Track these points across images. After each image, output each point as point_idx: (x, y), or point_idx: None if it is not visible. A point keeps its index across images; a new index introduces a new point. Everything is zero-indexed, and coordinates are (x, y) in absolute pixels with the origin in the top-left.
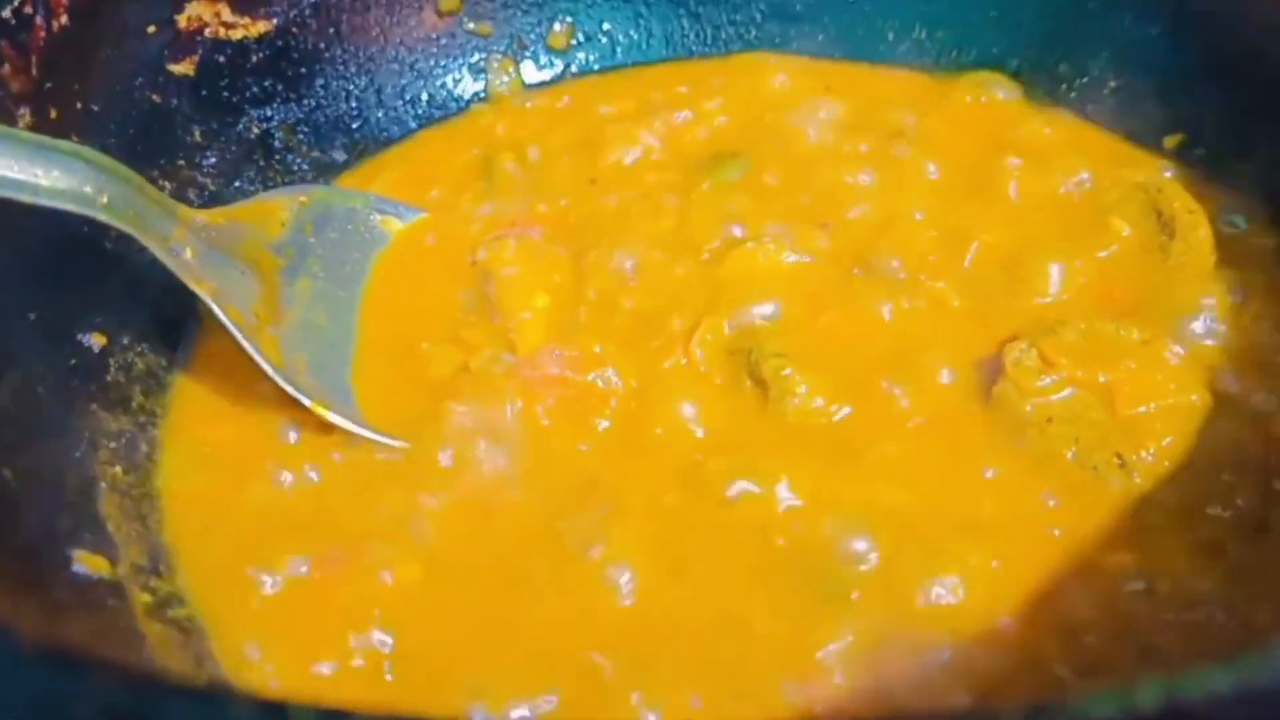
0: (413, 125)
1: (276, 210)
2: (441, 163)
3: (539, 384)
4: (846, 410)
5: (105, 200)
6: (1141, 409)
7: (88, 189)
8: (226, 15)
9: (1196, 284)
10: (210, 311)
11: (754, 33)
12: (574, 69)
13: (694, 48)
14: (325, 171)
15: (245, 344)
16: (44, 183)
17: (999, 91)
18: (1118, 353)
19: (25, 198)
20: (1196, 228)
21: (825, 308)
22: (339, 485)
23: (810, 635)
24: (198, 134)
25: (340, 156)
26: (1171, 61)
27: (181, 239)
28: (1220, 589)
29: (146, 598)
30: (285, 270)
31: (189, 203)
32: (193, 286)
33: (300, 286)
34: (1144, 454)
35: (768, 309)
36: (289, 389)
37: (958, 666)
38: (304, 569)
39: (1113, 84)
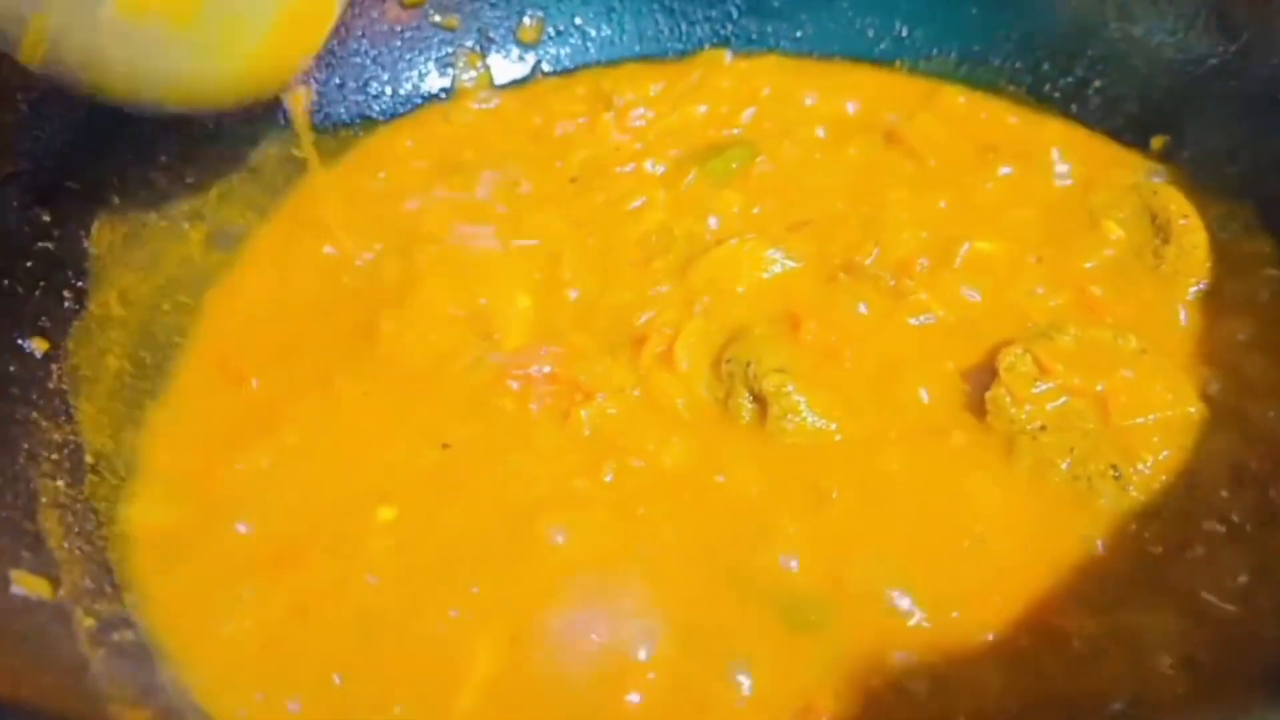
0: (378, 120)
1: None
2: (409, 159)
3: (527, 381)
4: (833, 425)
5: None
6: (1138, 420)
7: None
8: None
9: (1189, 291)
10: None
11: (729, 29)
12: (545, 65)
13: (668, 44)
14: (287, 168)
15: None
16: None
17: (986, 92)
18: (1114, 361)
19: None
20: (1192, 232)
21: (809, 315)
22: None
23: (793, 654)
24: (151, 129)
25: (302, 153)
26: (1156, 62)
27: None
28: (1220, 604)
29: (90, 621)
30: None
31: (142, 202)
32: None
33: None
34: (1140, 466)
35: (752, 314)
36: None
37: (948, 684)
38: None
39: (1097, 84)
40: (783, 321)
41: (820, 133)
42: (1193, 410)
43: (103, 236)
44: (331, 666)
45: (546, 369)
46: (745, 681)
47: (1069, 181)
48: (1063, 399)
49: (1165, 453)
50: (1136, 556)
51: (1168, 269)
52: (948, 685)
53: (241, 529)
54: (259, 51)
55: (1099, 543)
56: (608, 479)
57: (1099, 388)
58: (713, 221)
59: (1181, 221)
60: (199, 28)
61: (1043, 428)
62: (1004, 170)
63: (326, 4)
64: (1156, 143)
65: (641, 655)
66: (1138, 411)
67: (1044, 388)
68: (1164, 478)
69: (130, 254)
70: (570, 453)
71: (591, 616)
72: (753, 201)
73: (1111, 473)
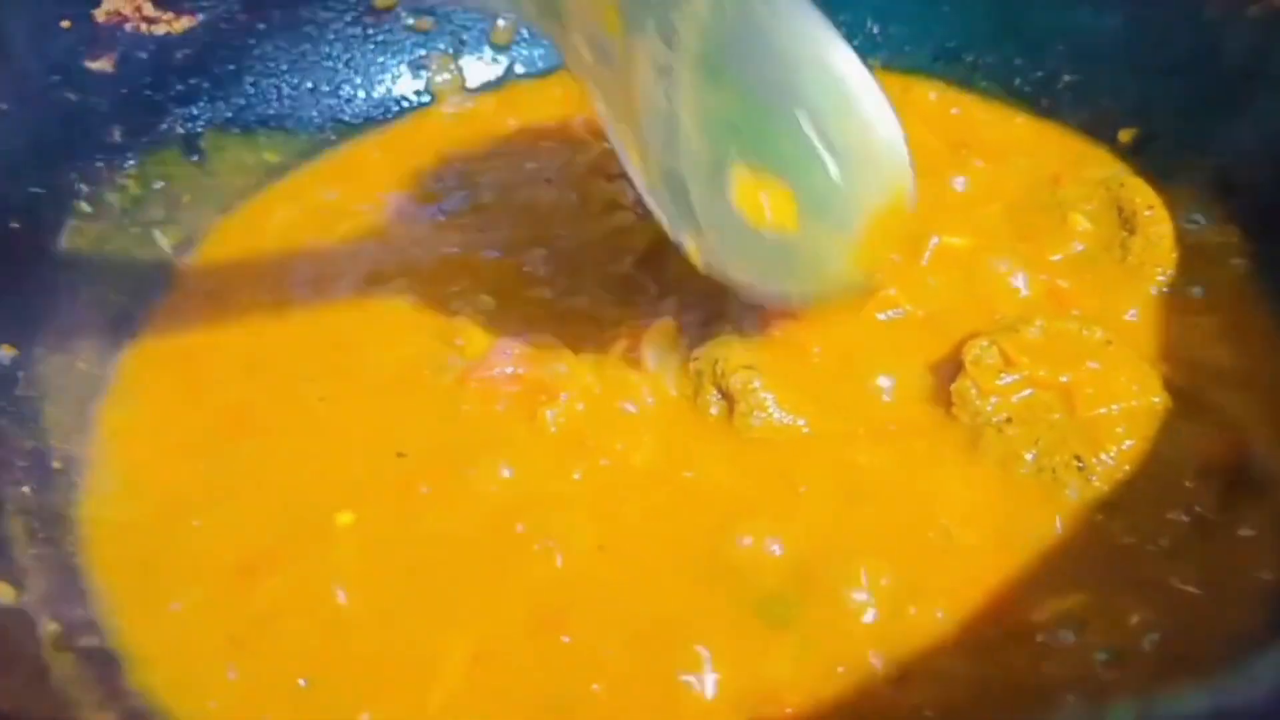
0: (351, 125)
1: None
2: (381, 164)
3: (490, 383)
4: (801, 421)
5: None
6: (1102, 410)
7: None
8: (148, 10)
9: (1156, 282)
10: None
11: None
12: (519, 66)
13: None
14: (257, 174)
15: (638, 180)
16: None
17: (959, 88)
18: (1080, 352)
19: None
20: (1157, 223)
21: (778, 311)
22: (270, 505)
23: (757, 652)
24: (118, 134)
25: (273, 158)
26: (1126, 55)
27: (579, 40)
28: (1187, 593)
29: (55, 626)
30: (627, 30)
31: (109, 207)
32: (597, 109)
33: (638, 52)
34: (1104, 456)
35: (720, 311)
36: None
37: (913, 677)
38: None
39: (1068, 77)
40: (751, 317)
41: None
42: (1157, 400)
43: (72, 242)
44: (297, 671)
45: (510, 370)
46: (712, 676)
47: (1040, 177)
48: (1028, 391)
49: (1129, 443)
50: (1101, 547)
51: (1134, 260)
52: (913, 678)
53: (204, 534)
54: (854, 255)
55: (1064, 534)
56: (576, 478)
57: (1064, 379)
58: None
59: (1147, 212)
60: (802, 234)
61: (1008, 420)
62: (974, 164)
63: (902, 205)
64: (1125, 135)
65: (610, 651)
66: (1103, 402)
67: (1009, 379)
68: (1128, 468)
69: (100, 259)
70: (537, 454)
71: (561, 615)
72: None
73: (1076, 464)
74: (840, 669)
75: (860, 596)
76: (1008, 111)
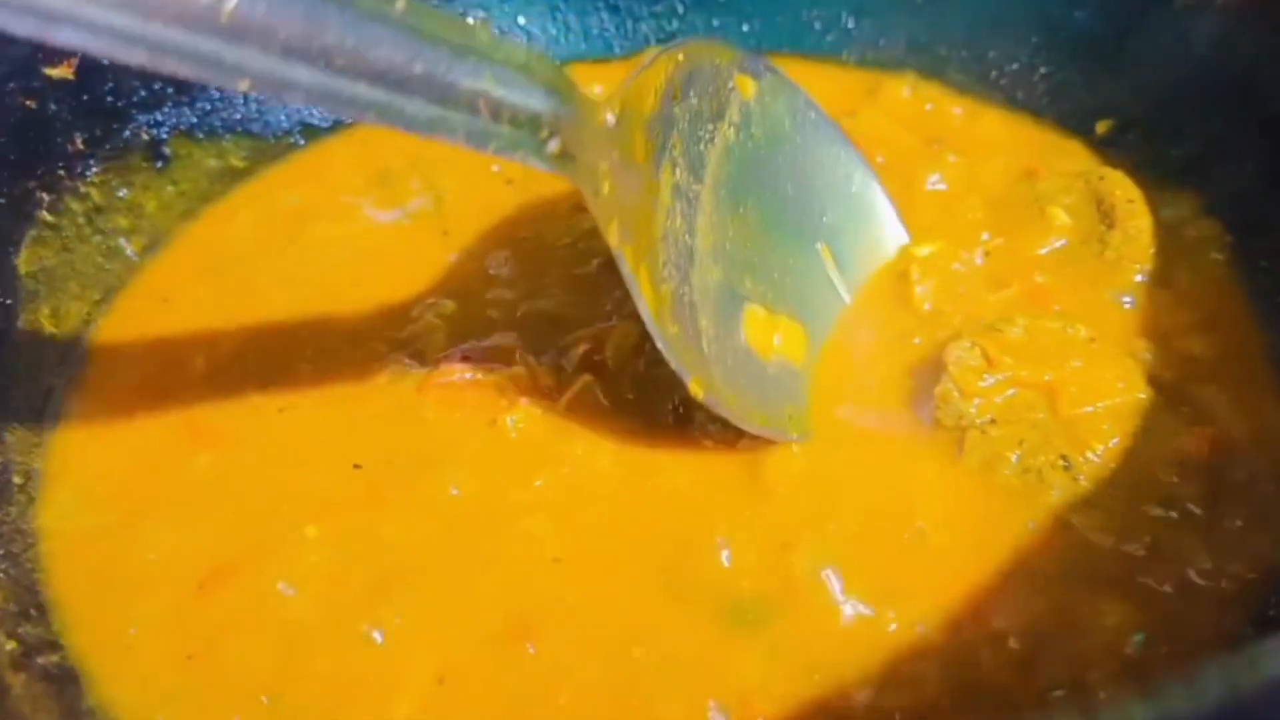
0: (319, 127)
1: (653, 77)
2: (346, 166)
3: (449, 389)
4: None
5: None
6: (1087, 409)
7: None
8: None
9: (1134, 276)
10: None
11: (675, 24)
12: None
13: (614, 42)
14: (224, 179)
15: (652, 328)
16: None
17: (933, 82)
18: (1063, 351)
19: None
20: (1137, 217)
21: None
22: (228, 518)
23: (727, 659)
24: (80, 141)
25: (240, 163)
26: (1099, 46)
27: (603, 171)
28: (1167, 593)
29: (13, 645)
30: (655, 156)
31: (71, 216)
32: (610, 240)
33: (663, 179)
34: (1089, 455)
35: None
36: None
37: (887, 680)
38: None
39: (1042, 70)
40: None
41: None
42: (1142, 396)
43: (33, 253)
44: (257, 687)
45: (469, 375)
46: (682, 684)
47: (1014, 171)
48: (1011, 391)
49: (1114, 440)
50: (1079, 547)
51: (1112, 255)
52: (887, 682)
53: (163, 547)
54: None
55: (1043, 534)
56: (538, 485)
57: (1047, 378)
58: None
59: (1127, 204)
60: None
61: (992, 421)
62: (950, 160)
63: None
64: (1101, 127)
65: (578, 661)
66: (1087, 400)
67: (992, 380)
68: (1113, 465)
69: (63, 270)
70: (498, 461)
71: (527, 625)
72: None
73: (1061, 463)
74: (813, 674)
75: (833, 601)
76: (982, 106)
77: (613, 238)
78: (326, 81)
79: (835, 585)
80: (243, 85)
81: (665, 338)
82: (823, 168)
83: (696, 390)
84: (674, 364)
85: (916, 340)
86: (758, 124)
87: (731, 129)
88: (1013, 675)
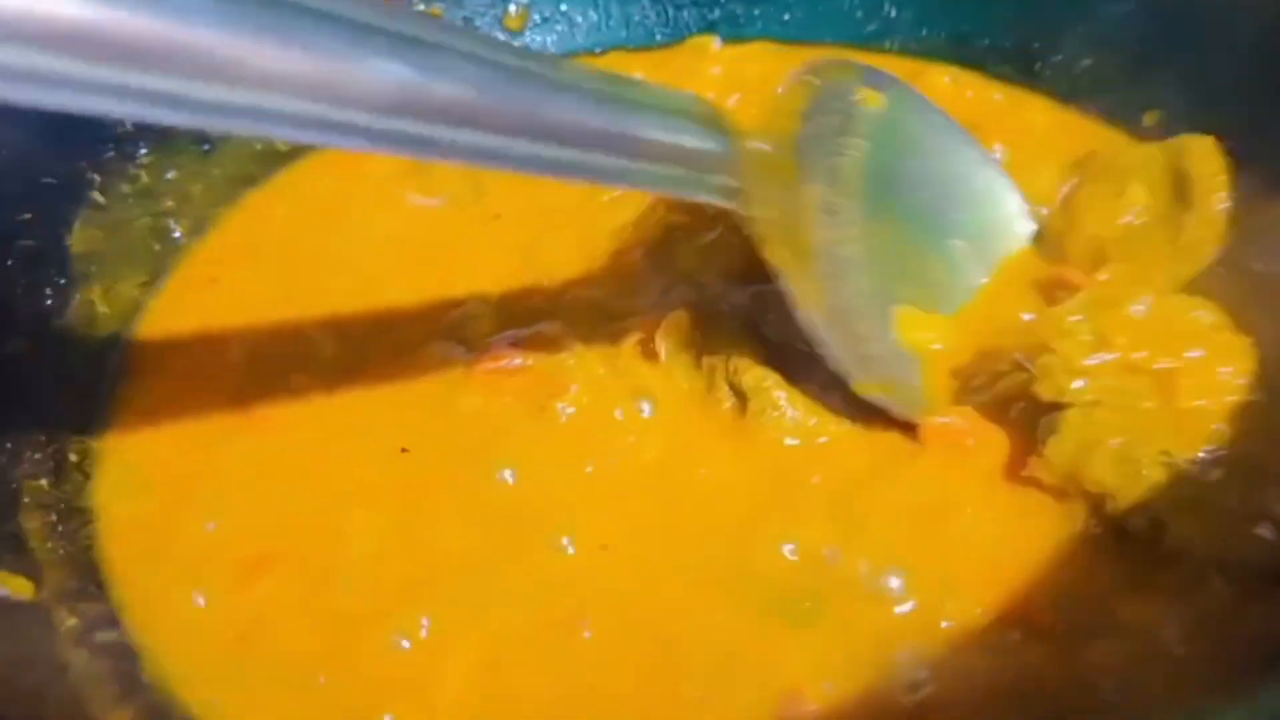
0: None
1: (790, 102)
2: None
3: (497, 375)
4: (815, 420)
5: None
6: (1200, 402)
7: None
8: None
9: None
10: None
11: (716, 13)
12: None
13: (655, 29)
14: (267, 163)
15: (817, 336)
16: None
17: (975, 72)
18: (1183, 336)
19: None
20: (1215, 192)
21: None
22: (276, 502)
23: (779, 651)
24: (129, 124)
25: (283, 146)
26: (1144, 37)
27: (762, 196)
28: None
29: (73, 621)
30: (802, 176)
31: (121, 197)
32: (772, 258)
33: (812, 197)
34: (1196, 455)
35: (733, 304)
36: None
37: (940, 673)
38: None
39: (1086, 62)
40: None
41: None
42: (1259, 398)
43: (85, 233)
44: (309, 669)
45: (518, 362)
46: (735, 674)
47: (1060, 161)
48: (1116, 374)
49: (1226, 443)
50: (1148, 553)
51: (1187, 238)
52: (937, 676)
53: (212, 529)
54: None
55: (1102, 535)
56: (588, 472)
57: (1164, 365)
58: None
59: (1210, 179)
60: None
61: (1096, 402)
62: (996, 149)
63: None
64: (1149, 118)
65: (629, 650)
66: (1203, 394)
67: (1100, 359)
68: (1219, 474)
69: (113, 250)
70: (546, 449)
71: (577, 613)
72: None
73: (1164, 458)
74: (863, 667)
75: (884, 593)
76: (1025, 95)
77: (774, 256)
78: (531, 150)
79: (887, 579)
80: (454, 161)
81: (830, 345)
82: (953, 168)
83: (862, 390)
84: (839, 369)
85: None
86: (889, 134)
87: (866, 141)
88: (1066, 669)
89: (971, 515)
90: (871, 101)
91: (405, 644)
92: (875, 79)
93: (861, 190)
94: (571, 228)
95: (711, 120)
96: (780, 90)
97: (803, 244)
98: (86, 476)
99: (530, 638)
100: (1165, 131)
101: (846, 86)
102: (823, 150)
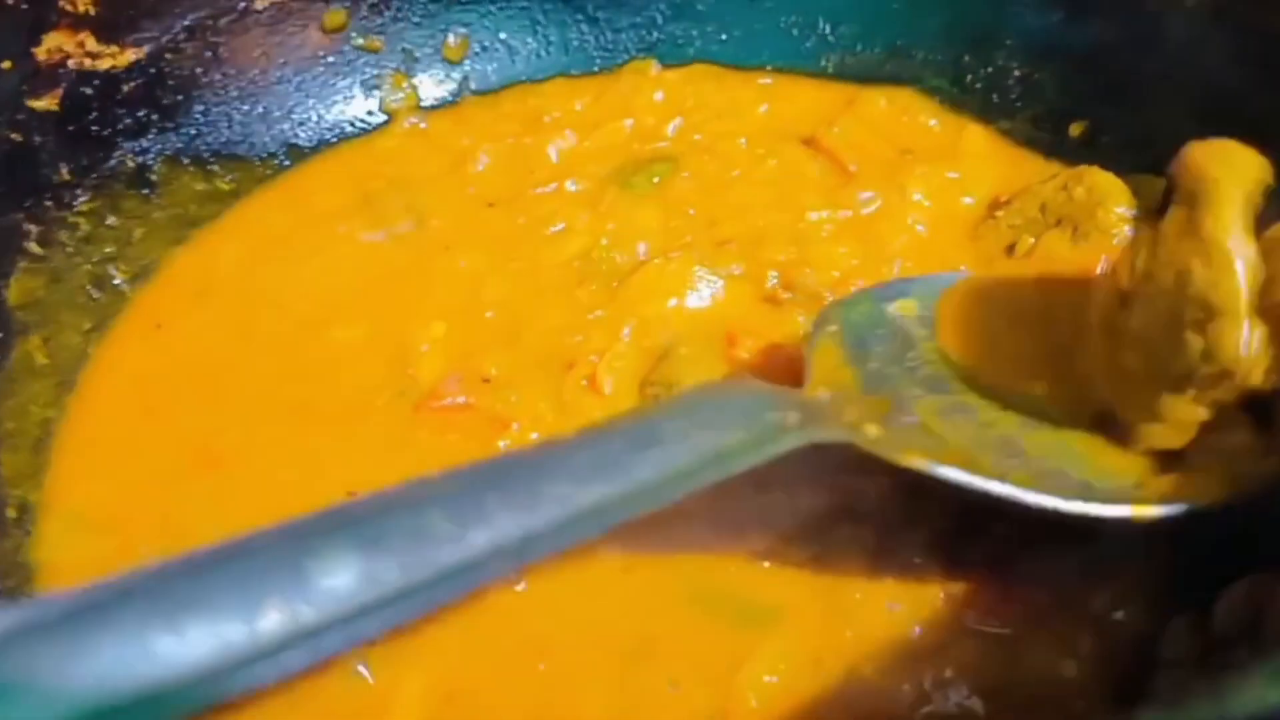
0: (305, 148)
1: (826, 357)
2: (334, 187)
3: (444, 413)
4: None
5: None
6: None
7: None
8: (91, 45)
9: None
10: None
11: (655, 35)
12: (472, 82)
13: (595, 55)
14: (211, 203)
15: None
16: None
17: (910, 88)
18: None
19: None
20: (1111, 227)
21: (743, 332)
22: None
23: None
24: (65, 172)
25: (226, 185)
26: (1075, 48)
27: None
28: None
29: None
30: (898, 406)
31: (60, 246)
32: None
33: (924, 415)
34: None
35: (680, 334)
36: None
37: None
38: None
39: (1018, 73)
40: (711, 340)
41: (743, 143)
42: None
43: (22, 284)
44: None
45: (462, 400)
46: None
47: (992, 190)
48: None
49: None
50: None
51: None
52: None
53: None
54: None
55: None
56: None
57: None
58: (637, 242)
59: (1103, 215)
60: None
61: None
62: (923, 174)
63: None
64: (1075, 129)
65: (588, 676)
66: None
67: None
68: None
69: (53, 300)
70: None
71: (533, 643)
72: (678, 221)
73: None
74: (826, 673)
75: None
76: (956, 115)
77: (913, 462)
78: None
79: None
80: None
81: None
82: None
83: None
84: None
85: None
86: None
87: (930, 341)
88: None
89: None
90: (908, 310)
91: (353, 685)
92: (893, 290)
93: (961, 379)
94: (517, 262)
95: (782, 401)
96: (808, 351)
97: (943, 451)
98: (27, 533)
99: (488, 671)
100: (1092, 143)
101: (874, 313)
102: (901, 374)
